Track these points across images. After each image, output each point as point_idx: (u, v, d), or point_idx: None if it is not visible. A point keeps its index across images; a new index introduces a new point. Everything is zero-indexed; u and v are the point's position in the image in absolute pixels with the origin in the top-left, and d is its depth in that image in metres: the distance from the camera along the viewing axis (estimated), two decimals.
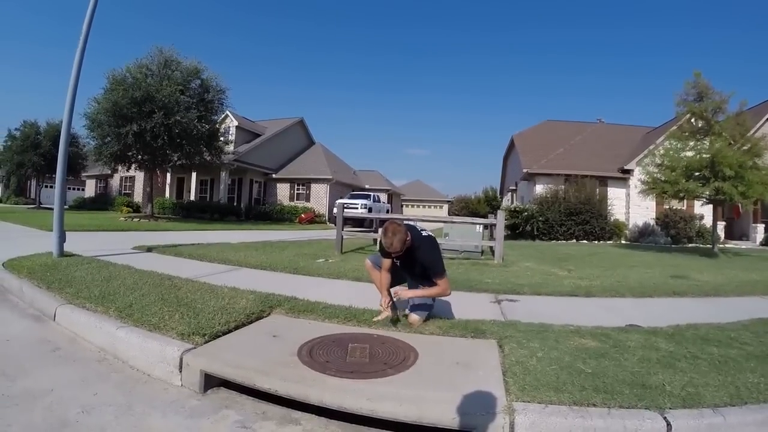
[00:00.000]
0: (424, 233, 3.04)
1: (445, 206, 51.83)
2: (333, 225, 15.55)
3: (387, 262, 3.10)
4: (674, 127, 11.99)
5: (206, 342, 2.47)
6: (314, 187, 25.33)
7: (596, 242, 15.79)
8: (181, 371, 2.25)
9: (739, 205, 13.05)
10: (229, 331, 2.69)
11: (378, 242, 3.51)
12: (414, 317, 2.99)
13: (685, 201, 13.10)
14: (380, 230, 3.00)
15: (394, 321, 2.96)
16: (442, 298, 3.19)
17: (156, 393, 2.14)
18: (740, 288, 5.24)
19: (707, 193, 10.35)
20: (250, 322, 2.92)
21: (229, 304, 3.20)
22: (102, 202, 26.19)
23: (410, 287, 3.16)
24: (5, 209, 19.59)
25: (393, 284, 3.22)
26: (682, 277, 6.19)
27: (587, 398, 1.87)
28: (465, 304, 3.72)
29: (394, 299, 3.06)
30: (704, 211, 15.29)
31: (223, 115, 21.01)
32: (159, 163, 16.82)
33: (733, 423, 1.76)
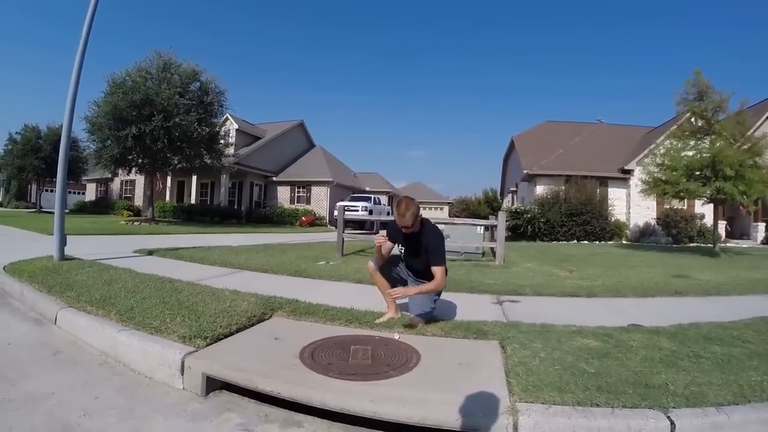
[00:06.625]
0: None
1: (446, 208, 51.72)
2: (334, 227, 15.54)
3: (387, 246, 3.08)
4: (674, 127, 12.00)
5: (208, 345, 2.46)
6: (315, 189, 25.38)
7: (597, 242, 15.77)
8: (182, 374, 2.24)
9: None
10: (231, 334, 2.69)
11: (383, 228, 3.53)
12: (416, 320, 2.99)
13: (685, 201, 13.07)
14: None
15: (397, 323, 2.96)
16: (444, 298, 3.17)
17: (158, 396, 2.13)
18: (742, 287, 5.23)
19: (708, 192, 10.33)
20: (252, 325, 2.92)
21: (231, 306, 3.19)
22: (103, 205, 26.30)
23: (409, 285, 3.16)
24: (6, 213, 19.62)
25: (392, 286, 3.21)
26: (684, 277, 6.18)
27: (591, 398, 1.87)
28: (467, 306, 3.72)
29: (396, 299, 3.00)
30: (705, 210, 15.28)
31: (223, 118, 21.07)
32: (159, 167, 16.82)
33: (737, 421, 1.76)
